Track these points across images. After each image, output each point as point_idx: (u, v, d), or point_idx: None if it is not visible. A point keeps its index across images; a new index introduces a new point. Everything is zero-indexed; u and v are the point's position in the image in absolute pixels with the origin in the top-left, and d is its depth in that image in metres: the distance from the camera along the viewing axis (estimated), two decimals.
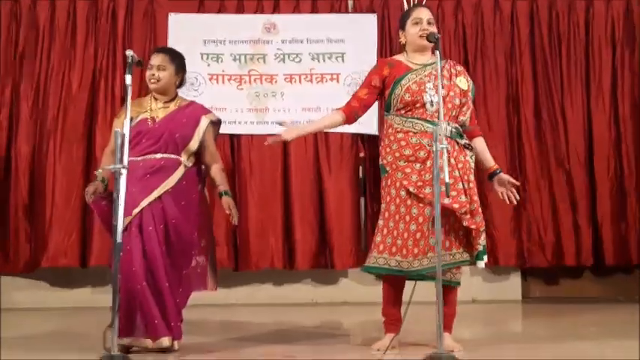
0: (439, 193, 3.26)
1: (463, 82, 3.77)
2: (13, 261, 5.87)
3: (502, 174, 3.80)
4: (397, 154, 3.63)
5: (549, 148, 6.16)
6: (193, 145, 3.87)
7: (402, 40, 3.81)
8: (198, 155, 3.94)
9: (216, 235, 5.60)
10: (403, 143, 3.63)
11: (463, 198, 3.56)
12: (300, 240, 6.00)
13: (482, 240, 3.61)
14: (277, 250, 5.97)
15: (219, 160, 4.04)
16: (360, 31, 6.17)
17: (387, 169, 3.67)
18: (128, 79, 3.33)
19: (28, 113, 5.97)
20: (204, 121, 3.92)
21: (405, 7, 3.87)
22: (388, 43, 6.16)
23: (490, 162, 3.83)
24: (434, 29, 3.72)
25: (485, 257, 3.63)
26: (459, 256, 3.61)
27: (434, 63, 3.62)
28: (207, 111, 4.01)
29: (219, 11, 6.19)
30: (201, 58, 6.11)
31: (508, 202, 3.80)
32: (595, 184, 6.15)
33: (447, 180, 3.19)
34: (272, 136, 3.79)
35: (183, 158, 3.84)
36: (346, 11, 6.27)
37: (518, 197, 3.80)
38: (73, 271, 5.96)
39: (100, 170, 3.84)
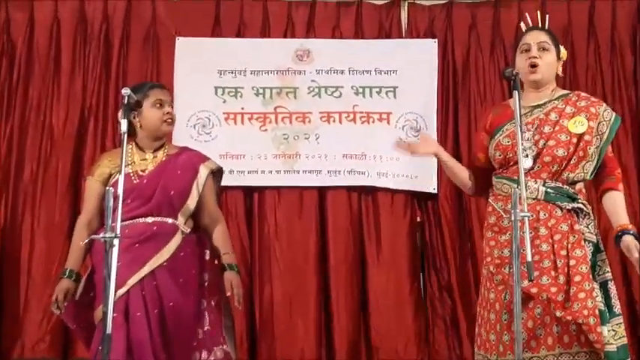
0: (519, 275, 2.70)
1: (580, 123, 3.17)
2: None
3: (630, 237, 3.05)
4: (485, 223, 3.35)
5: None
6: (191, 203, 3.42)
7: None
8: (196, 217, 3.48)
9: None
10: (490, 209, 3.32)
11: (545, 280, 3.01)
12: (339, 326, 5.05)
13: (599, 336, 2.91)
14: (309, 338, 5.02)
15: (223, 222, 3.58)
16: (416, 61, 5.30)
17: (484, 242, 3.39)
18: (124, 125, 2.95)
19: None
20: (204, 171, 3.49)
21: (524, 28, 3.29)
22: (451, 76, 5.31)
23: (620, 219, 3.12)
24: (549, 57, 3.19)
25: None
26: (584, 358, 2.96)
27: (548, 102, 3.20)
28: (205, 158, 3.59)
29: (239, 34, 5.32)
30: (216, 92, 5.23)
31: None
32: None
33: (528, 259, 2.70)
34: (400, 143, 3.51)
35: (179, 222, 3.38)
36: (399, 35, 5.38)
37: None
38: None
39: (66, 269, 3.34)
